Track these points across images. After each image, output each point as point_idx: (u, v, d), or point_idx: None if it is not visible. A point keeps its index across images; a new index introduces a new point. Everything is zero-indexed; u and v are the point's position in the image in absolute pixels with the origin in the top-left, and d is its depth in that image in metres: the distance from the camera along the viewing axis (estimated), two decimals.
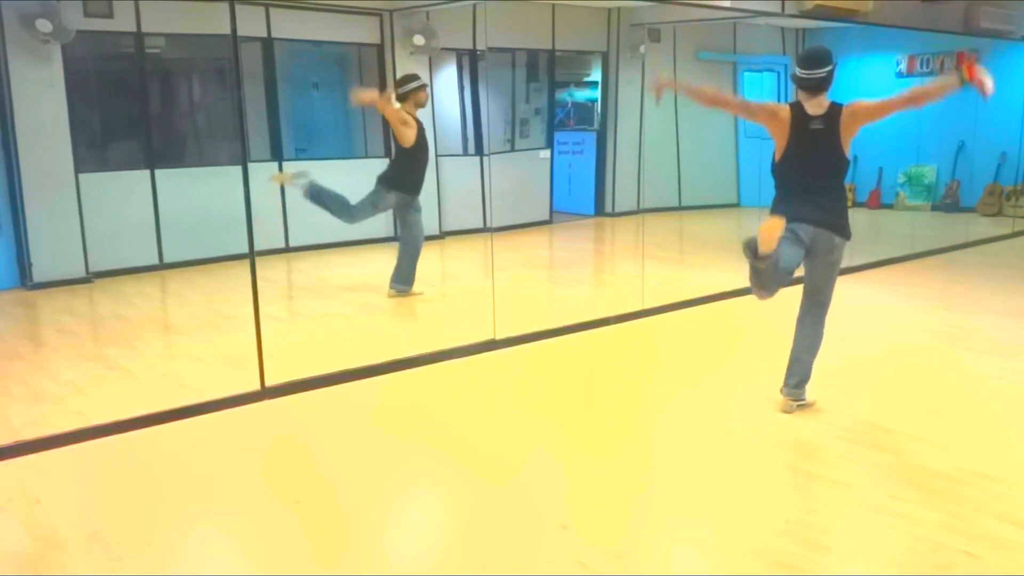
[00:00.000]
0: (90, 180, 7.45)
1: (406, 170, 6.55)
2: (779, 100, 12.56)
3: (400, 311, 6.77)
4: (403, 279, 6.72)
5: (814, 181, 3.99)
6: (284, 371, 4.57)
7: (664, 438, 3.98)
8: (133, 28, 7.71)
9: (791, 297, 6.76)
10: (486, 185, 9.87)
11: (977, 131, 10.64)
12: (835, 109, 3.94)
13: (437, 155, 9.58)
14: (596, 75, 11.98)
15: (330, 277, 7.68)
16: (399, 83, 6.61)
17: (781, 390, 4.18)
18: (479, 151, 10.21)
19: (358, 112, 10.09)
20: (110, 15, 7.53)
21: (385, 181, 6.56)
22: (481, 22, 9.61)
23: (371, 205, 6.60)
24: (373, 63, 9.41)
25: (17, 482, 3.49)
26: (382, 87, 9.30)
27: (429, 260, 8.68)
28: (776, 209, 4.05)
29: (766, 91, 12.44)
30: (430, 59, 9.41)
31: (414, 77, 6.58)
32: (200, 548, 3.04)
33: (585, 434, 3.98)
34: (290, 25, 8.69)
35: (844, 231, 4.02)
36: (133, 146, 8.36)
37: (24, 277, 7.16)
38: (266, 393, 4.43)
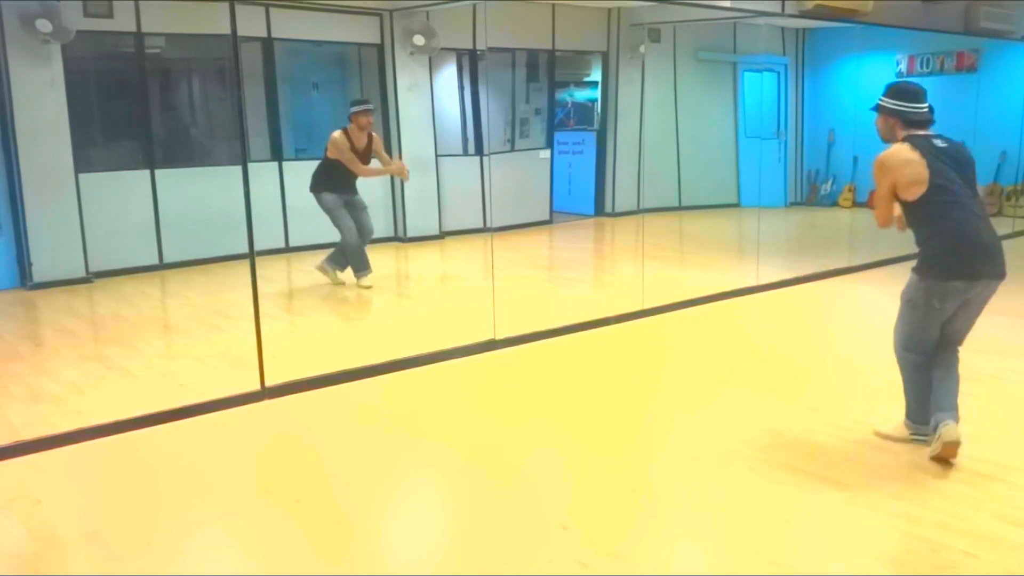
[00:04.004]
0: (90, 180, 7.45)
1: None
2: (777, 99, 12.59)
3: (400, 311, 6.77)
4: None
5: (974, 196, 3.54)
6: (284, 371, 4.57)
7: (664, 438, 3.98)
8: (133, 28, 7.71)
9: (792, 298, 6.78)
10: (486, 185, 9.87)
11: (977, 131, 10.64)
12: None
13: (437, 155, 9.59)
14: (596, 75, 11.98)
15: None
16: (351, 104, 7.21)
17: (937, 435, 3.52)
18: (479, 151, 10.21)
19: None
20: (110, 15, 7.54)
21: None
22: (481, 22, 9.61)
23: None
24: (373, 63, 9.42)
25: (17, 482, 3.49)
26: (382, 87, 9.32)
27: (429, 260, 8.72)
28: (941, 263, 3.51)
29: (766, 91, 12.45)
30: (430, 59, 9.42)
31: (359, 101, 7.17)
32: (200, 548, 3.04)
33: (585, 434, 3.98)
34: (290, 25, 8.69)
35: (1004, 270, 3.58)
36: (133, 146, 8.36)
37: (24, 277, 7.16)
38: (266, 393, 4.43)
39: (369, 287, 7.02)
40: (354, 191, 7.11)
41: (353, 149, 6.93)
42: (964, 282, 3.50)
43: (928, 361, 3.64)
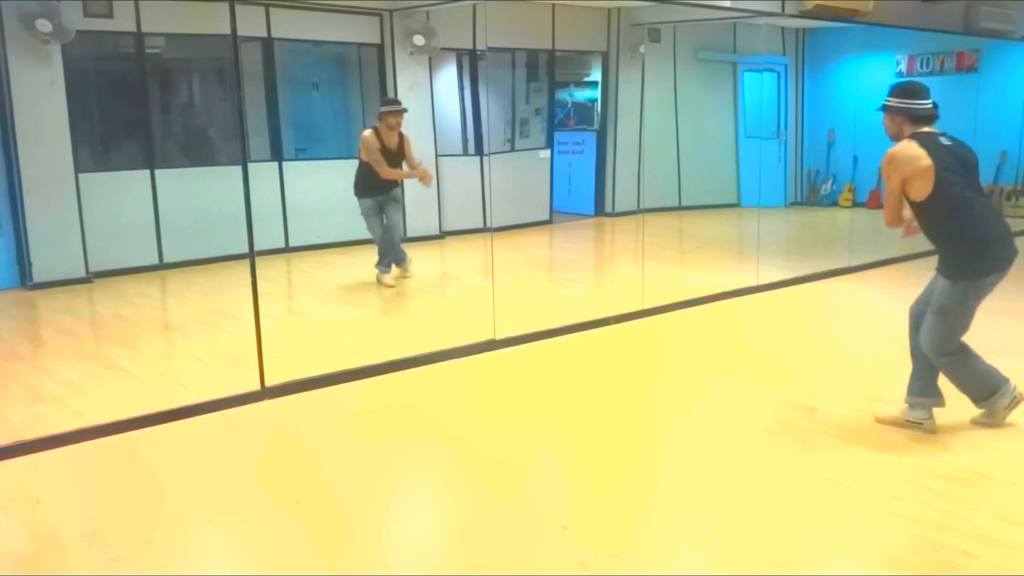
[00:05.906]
0: (90, 180, 7.45)
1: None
2: (778, 100, 12.58)
3: (400, 311, 6.78)
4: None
5: (979, 194, 3.75)
6: (284, 371, 4.57)
7: (664, 438, 3.98)
8: (133, 28, 7.71)
9: (792, 298, 6.78)
10: (486, 185, 9.88)
11: (977, 131, 10.65)
12: None
13: (437, 155, 9.60)
14: (596, 75, 11.98)
15: (330, 277, 7.68)
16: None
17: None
18: (479, 151, 10.21)
19: (358, 112, 10.09)
20: (110, 15, 7.53)
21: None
22: (481, 22, 9.61)
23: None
24: (373, 63, 9.42)
25: (17, 482, 3.49)
26: (382, 87, 9.32)
27: (429, 260, 8.72)
28: (974, 264, 3.71)
29: (766, 91, 12.45)
30: (430, 59, 9.42)
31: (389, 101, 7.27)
32: (200, 548, 3.04)
33: (585, 434, 3.98)
34: (290, 25, 8.69)
35: None
36: (133, 146, 8.36)
37: (24, 277, 7.16)
38: (266, 393, 4.43)
39: (391, 286, 7.06)
40: (389, 189, 7.13)
41: (384, 148, 6.96)
42: (996, 275, 3.75)
43: (962, 348, 3.83)
